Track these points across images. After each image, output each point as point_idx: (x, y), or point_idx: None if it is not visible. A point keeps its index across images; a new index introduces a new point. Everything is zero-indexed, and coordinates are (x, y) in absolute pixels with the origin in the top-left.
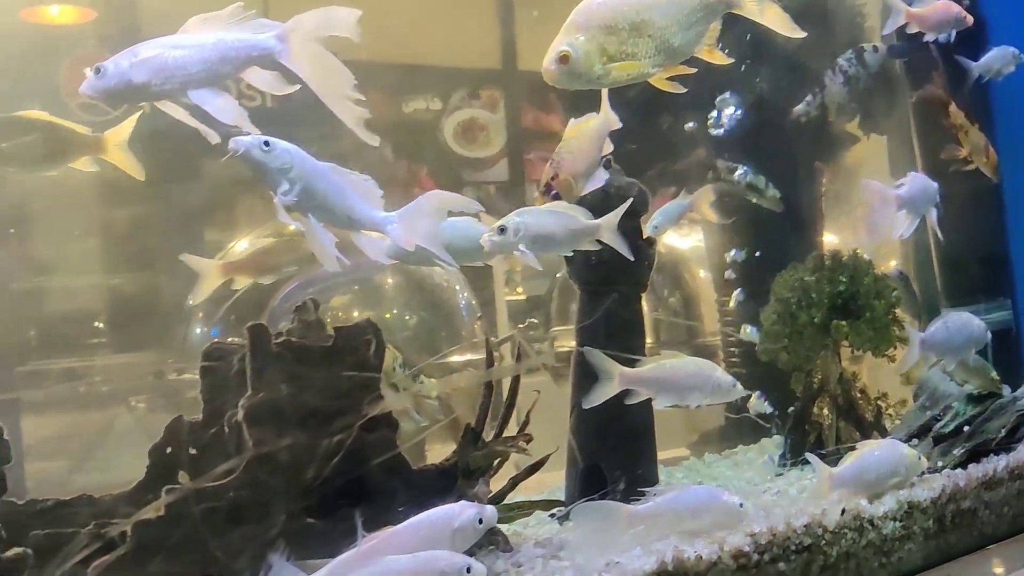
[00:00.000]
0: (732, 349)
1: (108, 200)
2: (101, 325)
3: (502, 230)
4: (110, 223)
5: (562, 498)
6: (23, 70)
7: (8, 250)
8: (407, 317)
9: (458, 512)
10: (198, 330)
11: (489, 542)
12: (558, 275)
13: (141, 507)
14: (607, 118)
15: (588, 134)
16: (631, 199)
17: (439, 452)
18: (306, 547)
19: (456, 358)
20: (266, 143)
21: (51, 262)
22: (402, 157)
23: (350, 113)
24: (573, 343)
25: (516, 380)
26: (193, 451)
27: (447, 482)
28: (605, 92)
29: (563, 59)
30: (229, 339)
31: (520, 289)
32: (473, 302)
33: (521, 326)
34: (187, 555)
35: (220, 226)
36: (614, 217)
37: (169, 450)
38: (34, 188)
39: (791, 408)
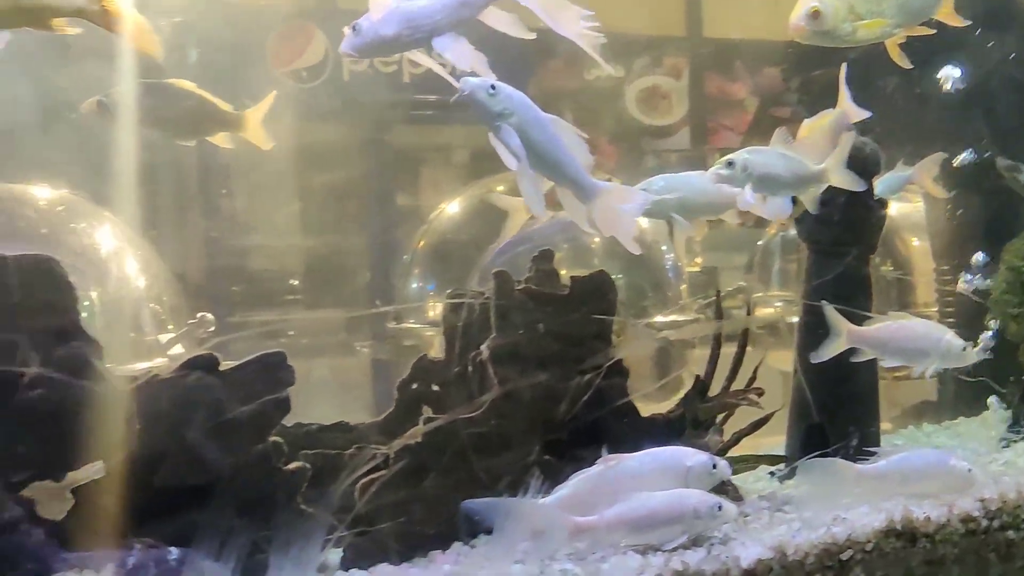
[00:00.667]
0: (950, 320)
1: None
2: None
3: (730, 164)
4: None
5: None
6: (234, 42)
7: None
8: (615, 276)
9: (691, 454)
10: (414, 284)
11: (719, 491)
12: (759, 243)
13: (390, 436)
14: (845, 112)
15: (823, 132)
16: (856, 138)
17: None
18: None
19: (659, 319)
20: (492, 86)
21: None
22: (583, 125)
23: (588, 41)
24: (776, 309)
25: (745, 334)
26: (436, 387)
27: (674, 432)
28: (843, 85)
29: (814, 15)
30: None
31: (699, 260)
32: (680, 264)
33: (730, 288)
34: (454, 474)
35: (409, 192)
36: (840, 156)
37: (415, 386)
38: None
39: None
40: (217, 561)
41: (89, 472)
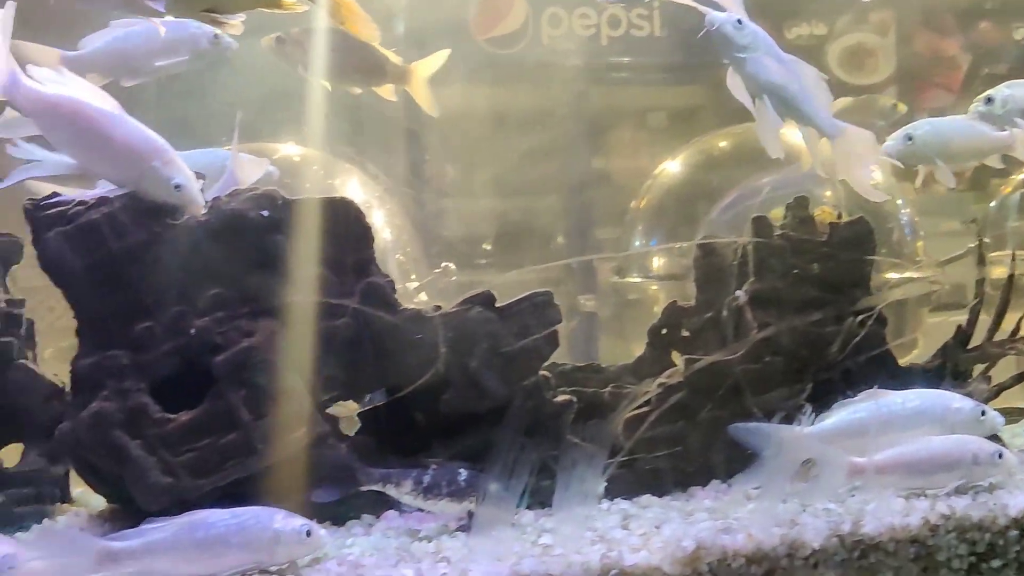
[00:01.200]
0: None
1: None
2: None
3: (989, 100)
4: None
5: None
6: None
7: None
8: None
9: (957, 399)
10: (637, 242)
11: None
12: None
13: (640, 378)
14: None
15: None
16: None
17: None
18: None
19: (893, 275)
20: (739, 21)
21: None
22: None
23: None
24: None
25: (1009, 280)
26: (686, 333)
27: (932, 381)
28: None
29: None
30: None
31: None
32: (916, 219)
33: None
34: (729, 407)
35: (603, 155)
36: None
37: (665, 331)
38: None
39: None
40: (503, 485)
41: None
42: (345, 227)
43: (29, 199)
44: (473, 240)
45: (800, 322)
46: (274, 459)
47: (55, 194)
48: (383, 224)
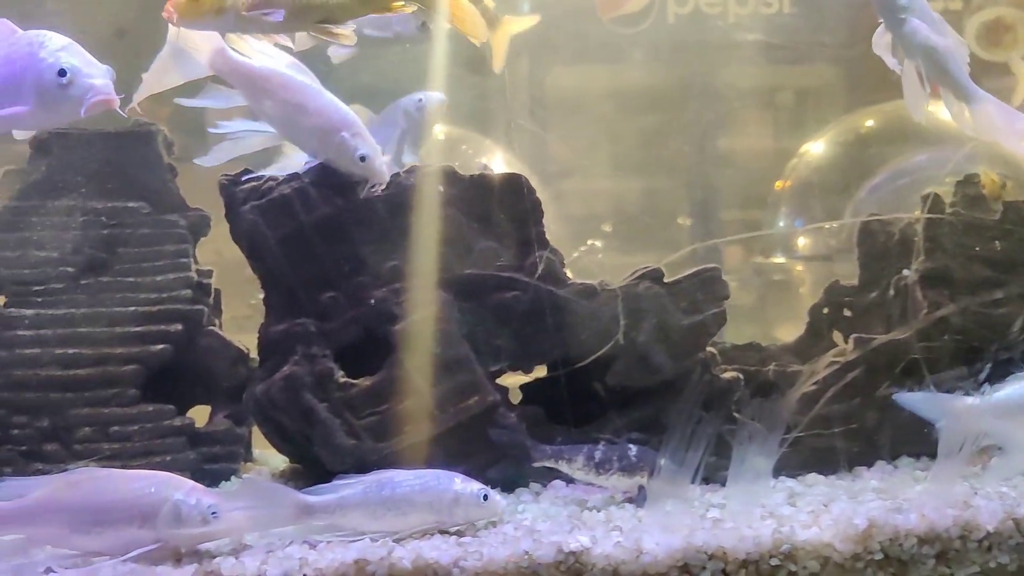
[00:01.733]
0: None
1: None
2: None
3: None
4: None
5: None
6: None
7: None
8: None
9: None
10: (781, 222)
11: None
12: None
13: (800, 358)
14: None
15: None
16: None
17: None
18: None
19: None
20: None
21: None
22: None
23: None
24: None
25: None
26: (848, 313)
27: None
28: None
29: None
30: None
31: None
32: None
33: None
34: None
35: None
36: None
37: (826, 310)
38: None
39: None
40: (677, 459)
41: None
42: (517, 202)
43: (224, 175)
44: (593, 220)
45: (979, 301)
46: (447, 425)
47: (247, 170)
48: None
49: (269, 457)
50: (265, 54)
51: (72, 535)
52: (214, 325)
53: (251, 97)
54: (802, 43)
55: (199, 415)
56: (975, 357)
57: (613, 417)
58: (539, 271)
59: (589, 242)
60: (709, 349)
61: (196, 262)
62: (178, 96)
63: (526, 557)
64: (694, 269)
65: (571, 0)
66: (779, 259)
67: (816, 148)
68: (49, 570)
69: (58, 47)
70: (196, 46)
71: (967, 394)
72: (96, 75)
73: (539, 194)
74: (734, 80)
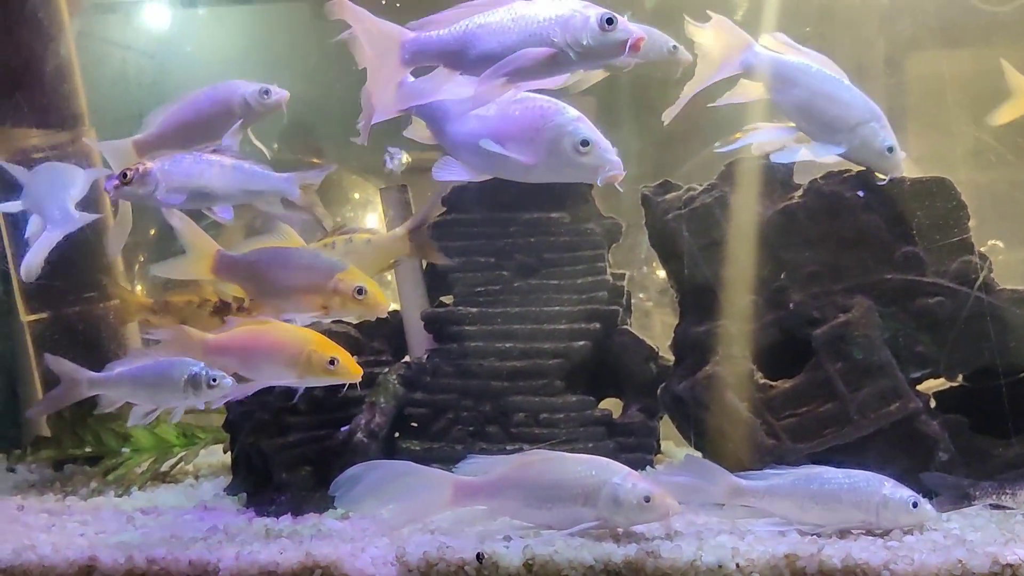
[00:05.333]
0: None
1: None
2: None
3: None
4: None
5: None
6: None
7: None
8: None
9: None
10: None
11: None
12: None
13: None
14: None
15: None
16: None
17: None
18: None
19: None
20: None
21: None
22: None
23: None
24: None
25: None
26: None
27: None
28: None
29: None
30: None
31: None
32: None
33: None
34: None
35: None
36: None
37: None
38: None
39: None
40: None
41: None
42: (939, 206)
43: (644, 186)
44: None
45: None
46: (867, 430)
47: (668, 182)
48: None
49: (675, 451)
50: (795, 47)
51: (526, 508)
52: (626, 324)
53: (780, 90)
54: None
55: (610, 408)
56: None
57: None
58: (980, 278)
59: (990, 242)
60: None
61: (610, 266)
62: None
63: (959, 566)
64: None
65: None
66: None
67: None
68: (507, 538)
69: (575, 116)
70: (726, 44)
71: None
72: (611, 151)
73: None
74: None
